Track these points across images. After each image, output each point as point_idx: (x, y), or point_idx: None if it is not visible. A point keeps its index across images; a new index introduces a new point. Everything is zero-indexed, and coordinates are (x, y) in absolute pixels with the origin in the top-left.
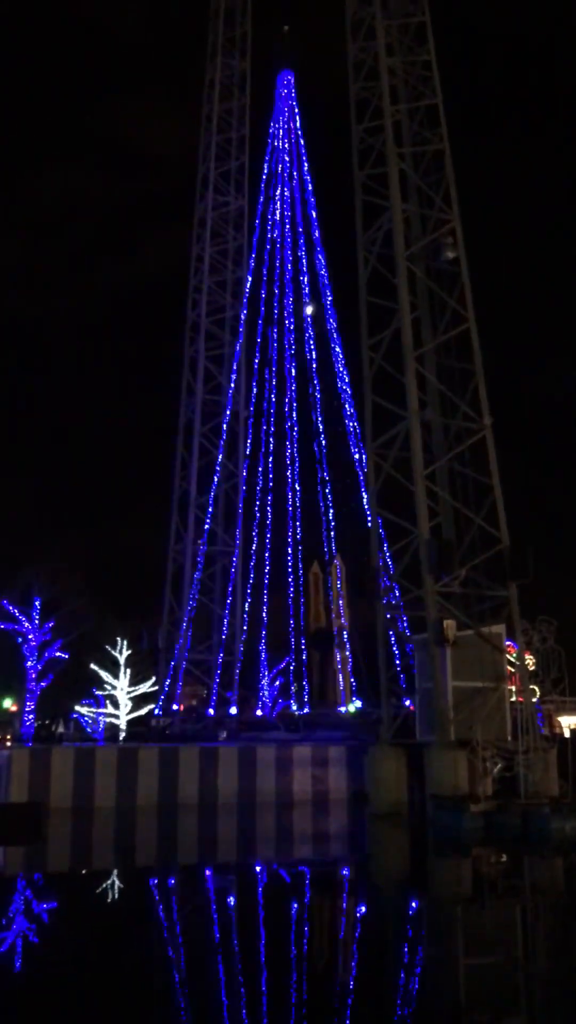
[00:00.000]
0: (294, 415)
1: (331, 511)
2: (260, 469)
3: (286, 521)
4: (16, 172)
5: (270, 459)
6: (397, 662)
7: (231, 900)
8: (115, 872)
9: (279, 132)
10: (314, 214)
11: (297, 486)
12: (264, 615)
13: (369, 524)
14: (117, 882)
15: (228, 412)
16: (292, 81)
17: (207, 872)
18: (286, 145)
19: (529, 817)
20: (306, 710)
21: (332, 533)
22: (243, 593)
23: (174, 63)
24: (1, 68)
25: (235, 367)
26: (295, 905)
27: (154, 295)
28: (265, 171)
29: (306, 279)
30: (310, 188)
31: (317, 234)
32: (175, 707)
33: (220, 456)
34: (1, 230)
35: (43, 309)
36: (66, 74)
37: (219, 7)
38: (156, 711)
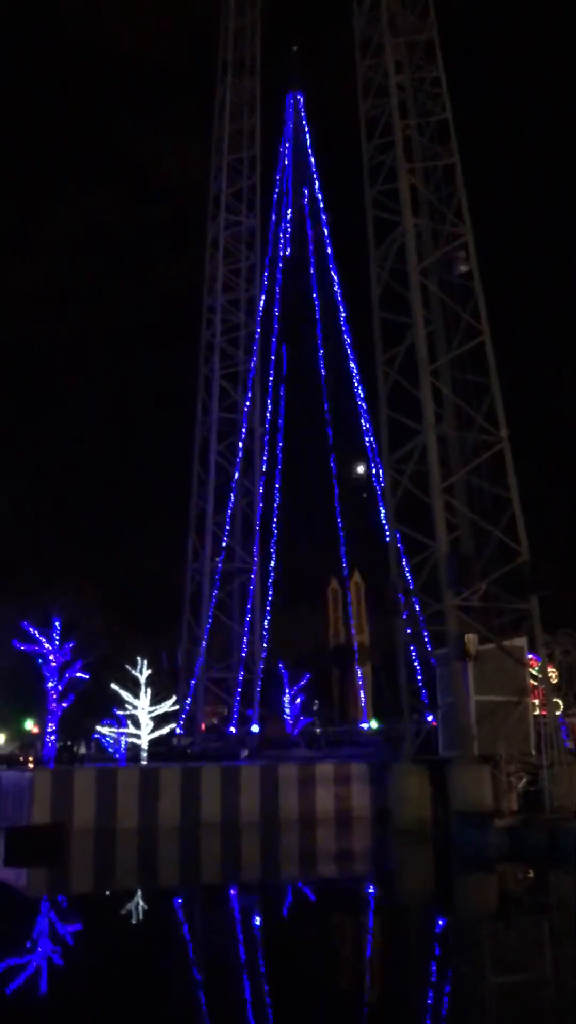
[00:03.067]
0: (307, 430)
1: (348, 526)
2: (277, 486)
3: (303, 537)
4: (36, 198)
5: (277, 473)
6: (419, 677)
7: (255, 920)
8: (139, 893)
9: (288, 152)
10: (326, 231)
11: (314, 501)
12: (284, 632)
13: (387, 539)
14: (141, 903)
15: (244, 430)
16: (302, 101)
17: (231, 892)
18: (296, 164)
19: (555, 832)
20: (328, 727)
21: (349, 548)
22: (262, 610)
23: (188, 87)
24: (19, 96)
25: (250, 385)
26: (320, 924)
27: (169, 316)
28: (276, 190)
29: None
30: (321, 206)
31: (329, 251)
32: (196, 726)
33: (236, 474)
34: (21, 254)
35: (60, 331)
36: (82, 101)
37: (228, 29)
38: (178, 730)
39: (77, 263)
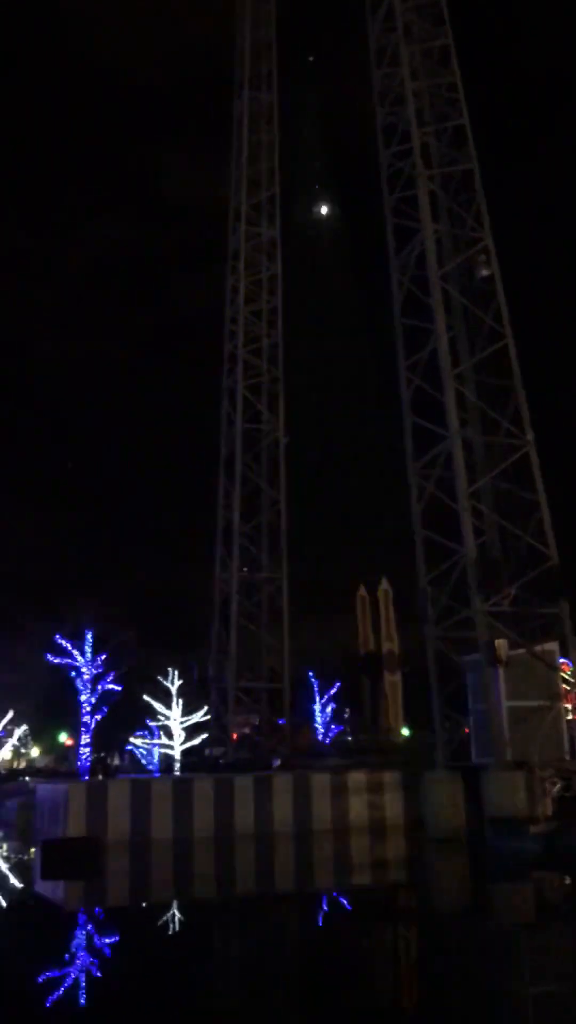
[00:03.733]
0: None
1: (376, 532)
2: (301, 492)
3: (332, 545)
4: (54, 222)
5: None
6: (450, 684)
7: (291, 931)
8: (175, 904)
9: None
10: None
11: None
12: (313, 641)
13: (415, 545)
14: (177, 914)
15: (269, 439)
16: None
17: (266, 902)
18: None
19: None
20: (359, 736)
21: (377, 555)
22: (290, 619)
23: (201, 105)
24: (37, 121)
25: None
26: (355, 934)
27: (190, 333)
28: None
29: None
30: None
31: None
32: (227, 736)
33: (260, 483)
34: (41, 278)
35: (83, 352)
36: (100, 125)
37: (244, 45)
38: (214, 741)
39: (97, 284)
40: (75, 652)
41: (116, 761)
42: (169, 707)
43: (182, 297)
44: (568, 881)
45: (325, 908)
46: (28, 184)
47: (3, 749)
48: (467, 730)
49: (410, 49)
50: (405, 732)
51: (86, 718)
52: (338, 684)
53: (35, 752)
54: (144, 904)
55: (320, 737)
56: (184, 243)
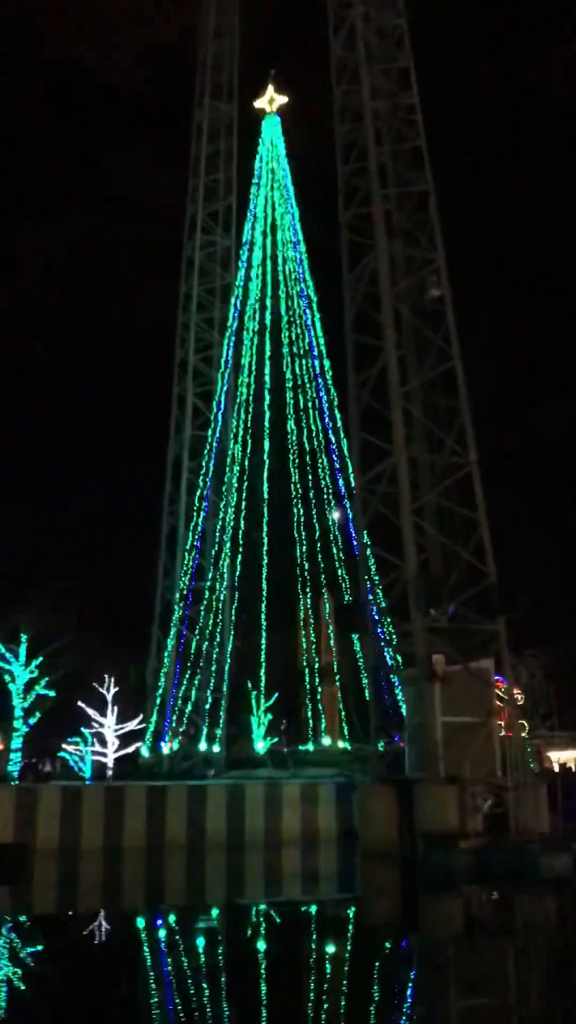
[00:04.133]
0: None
1: (318, 546)
2: (245, 504)
3: (272, 556)
4: (16, 224)
5: (246, 492)
6: (386, 698)
7: (219, 942)
8: (102, 913)
9: (264, 178)
10: (298, 252)
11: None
12: (254, 651)
13: (357, 559)
14: (104, 924)
15: (215, 447)
16: (278, 124)
17: (195, 913)
18: (272, 187)
19: (520, 854)
20: (295, 747)
21: (319, 568)
22: (231, 629)
23: (165, 112)
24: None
25: (222, 404)
26: (285, 946)
27: (146, 336)
28: (250, 213)
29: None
30: (296, 227)
31: (304, 274)
32: (163, 745)
33: (207, 492)
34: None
35: (35, 349)
36: (61, 128)
37: (206, 55)
38: (149, 749)
39: (53, 283)
40: (9, 655)
41: (48, 767)
42: (104, 714)
43: (136, 301)
44: (496, 896)
45: (254, 920)
46: None
47: None
48: (402, 743)
49: (370, 69)
50: (341, 744)
51: (18, 723)
52: (276, 695)
53: None
54: (71, 912)
55: (256, 748)
56: (141, 248)
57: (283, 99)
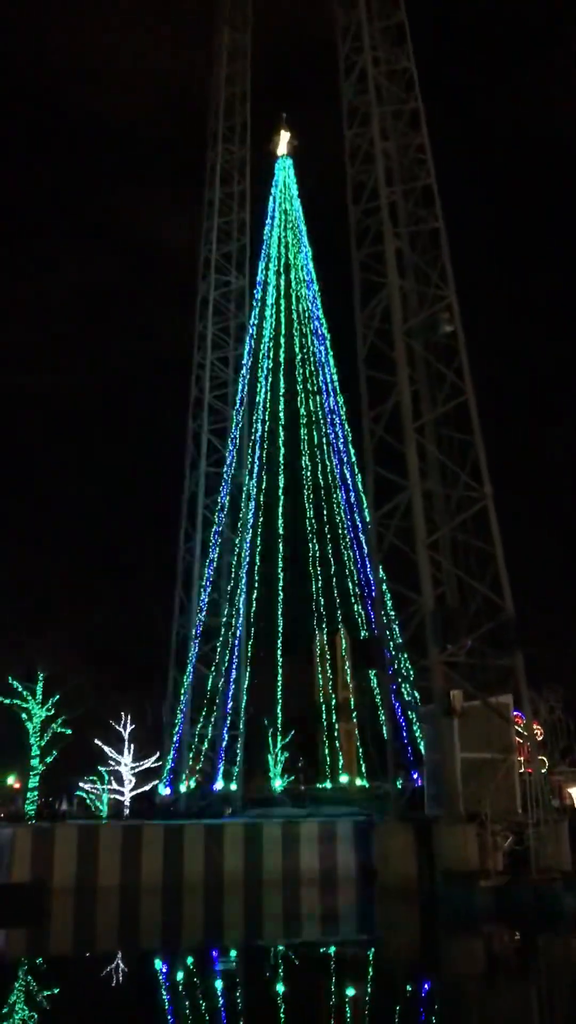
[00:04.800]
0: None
1: (334, 582)
2: (260, 540)
3: (288, 592)
4: (33, 260)
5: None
6: (404, 734)
7: (238, 984)
8: (119, 955)
9: (277, 219)
10: (311, 291)
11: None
12: (271, 688)
13: (373, 594)
14: (122, 965)
15: (229, 483)
16: (291, 166)
17: (213, 954)
18: (285, 228)
19: (541, 893)
20: (313, 785)
21: (335, 605)
22: (247, 666)
23: (181, 154)
24: (20, 161)
25: (236, 441)
26: (304, 988)
27: (160, 374)
28: (264, 253)
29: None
30: (310, 267)
31: (318, 312)
32: (182, 783)
33: (222, 528)
34: (17, 312)
35: (52, 386)
36: (78, 167)
37: (219, 99)
38: (167, 787)
39: (71, 322)
40: (26, 693)
41: (64, 806)
42: (121, 752)
43: (151, 340)
44: (517, 936)
45: (272, 962)
46: (8, 222)
47: None
48: (419, 781)
49: (381, 111)
50: (359, 782)
51: (35, 761)
52: (293, 733)
53: None
54: (87, 954)
55: (273, 786)
56: (157, 287)
57: (295, 141)
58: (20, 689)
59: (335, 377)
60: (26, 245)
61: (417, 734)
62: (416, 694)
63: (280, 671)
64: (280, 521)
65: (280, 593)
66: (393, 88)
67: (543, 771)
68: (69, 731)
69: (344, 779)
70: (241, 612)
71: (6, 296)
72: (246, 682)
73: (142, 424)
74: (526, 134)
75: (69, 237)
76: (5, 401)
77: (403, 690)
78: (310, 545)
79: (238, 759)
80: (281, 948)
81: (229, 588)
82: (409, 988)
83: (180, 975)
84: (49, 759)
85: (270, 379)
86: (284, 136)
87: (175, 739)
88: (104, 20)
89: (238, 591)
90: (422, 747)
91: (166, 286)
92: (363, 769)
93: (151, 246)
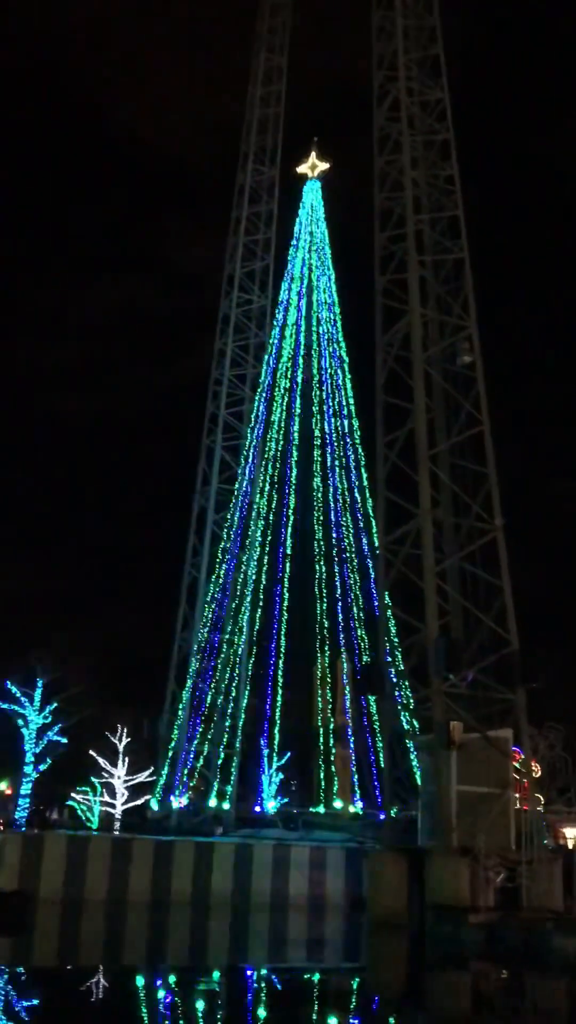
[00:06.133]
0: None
1: (338, 607)
2: (267, 560)
3: (292, 615)
4: (69, 284)
5: (273, 549)
6: (401, 763)
7: (218, 1006)
8: (101, 969)
9: (302, 240)
10: (332, 314)
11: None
12: (269, 709)
13: (377, 621)
14: (103, 980)
15: (240, 500)
16: (319, 189)
17: (195, 975)
18: (310, 250)
19: (532, 932)
20: (305, 809)
21: (337, 629)
22: (246, 685)
23: (211, 178)
24: (57, 188)
25: (250, 459)
26: (285, 1014)
27: (176, 390)
28: (287, 274)
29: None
30: (332, 290)
31: (338, 335)
32: (174, 799)
33: (230, 545)
34: (50, 335)
35: (80, 406)
36: (116, 193)
37: (252, 119)
38: (159, 803)
39: (102, 343)
40: (25, 700)
41: (55, 815)
42: (115, 764)
43: (170, 357)
44: (504, 975)
45: (255, 986)
46: (44, 243)
47: None
48: (415, 811)
49: (412, 140)
50: (352, 808)
51: (28, 768)
52: (289, 755)
53: None
54: (69, 967)
55: (266, 807)
56: (189, 308)
57: (325, 165)
58: (18, 695)
59: (351, 400)
60: (49, 264)
61: (414, 763)
62: (415, 723)
63: (280, 692)
64: (288, 541)
65: (284, 613)
66: (425, 118)
67: (539, 808)
68: (65, 740)
69: (338, 804)
70: (244, 631)
71: (41, 319)
72: (244, 701)
73: (154, 439)
74: (558, 169)
75: (105, 260)
76: (23, 417)
77: (402, 718)
78: (317, 567)
79: (232, 778)
80: (265, 972)
81: (233, 606)
82: (392, 1021)
83: (161, 993)
84: (43, 767)
85: (286, 399)
86: (314, 159)
87: (170, 754)
88: (141, 45)
89: (242, 609)
90: (418, 777)
91: (186, 304)
92: (357, 795)
93: (174, 265)
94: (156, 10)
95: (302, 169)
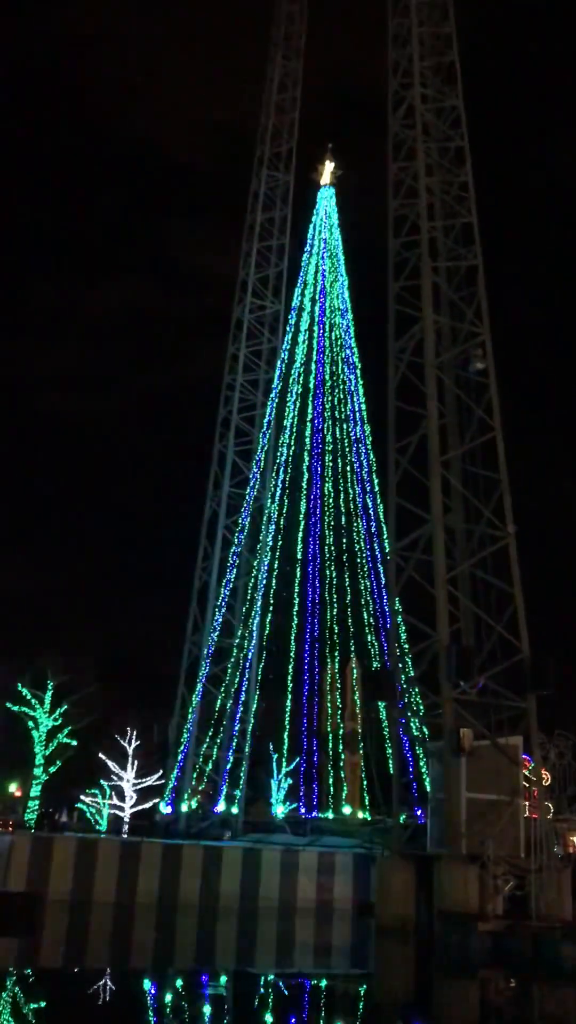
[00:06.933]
0: (318, 510)
1: (349, 612)
2: (278, 563)
3: (304, 619)
4: (75, 285)
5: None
6: (410, 769)
7: (224, 1011)
8: (108, 972)
9: (316, 246)
10: (345, 319)
11: (317, 584)
12: (281, 713)
13: (388, 626)
14: (109, 983)
15: (251, 505)
16: (332, 195)
17: (203, 978)
18: (323, 255)
19: (540, 941)
20: (315, 814)
21: (349, 635)
22: (256, 689)
23: (222, 183)
24: (65, 189)
25: (261, 463)
26: (291, 1021)
27: (189, 395)
28: (301, 279)
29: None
30: (345, 295)
31: (351, 341)
32: (182, 803)
33: (241, 549)
34: (60, 336)
35: (88, 407)
36: (124, 194)
37: (267, 124)
38: (168, 806)
39: (111, 345)
40: (35, 702)
41: (64, 818)
42: (124, 767)
43: (183, 361)
44: (512, 984)
45: (261, 991)
46: (50, 243)
47: None
48: (423, 817)
49: (426, 146)
50: (360, 814)
51: (38, 771)
52: (298, 760)
53: None
54: (76, 969)
55: (275, 812)
56: (192, 309)
57: (339, 172)
58: (28, 697)
59: (363, 406)
60: (55, 265)
61: (423, 770)
62: (425, 730)
63: (289, 697)
64: (299, 546)
65: (294, 618)
66: (440, 125)
67: (549, 817)
68: (74, 742)
69: (347, 810)
70: (254, 635)
71: (49, 320)
72: (254, 705)
73: (167, 443)
74: (570, 177)
75: (106, 259)
76: (35, 419)
77: (412, 725)
78: (327, 572)
79: (241, 783)
80: (272, 977)
81: (244, 610)
82: None
83: (168, 997)
84: (52, 769)
85: (298, 404)
86: (328, 166)
87: (180, 758)
88: (151, 48)
89: (252, 613)
90: (427, 783)
91: (200, 309)
92: (366, 801)
93: (187, 269)
94: (167, 14)
95: (316, 175)
